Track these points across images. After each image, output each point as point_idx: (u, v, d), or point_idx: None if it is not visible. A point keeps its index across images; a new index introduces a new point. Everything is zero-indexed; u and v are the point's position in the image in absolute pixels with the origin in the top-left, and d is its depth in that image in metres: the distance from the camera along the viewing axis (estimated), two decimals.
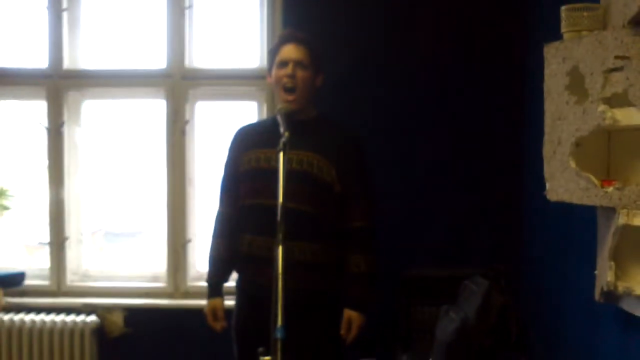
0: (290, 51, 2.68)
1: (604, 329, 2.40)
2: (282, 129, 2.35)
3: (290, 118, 2.46)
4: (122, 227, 4.16)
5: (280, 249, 2.12)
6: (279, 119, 2.47)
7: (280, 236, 2.12)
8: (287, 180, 2.28)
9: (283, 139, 2.26)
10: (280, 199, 2.17)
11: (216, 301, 2.80)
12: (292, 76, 2.64)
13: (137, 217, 4.09)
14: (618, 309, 2.16)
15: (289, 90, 2.66)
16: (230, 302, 2.87)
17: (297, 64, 2.66)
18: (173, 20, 3.74)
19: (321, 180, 2.64)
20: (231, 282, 2.90)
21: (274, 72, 2.71)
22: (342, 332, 2.70)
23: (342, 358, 2.79)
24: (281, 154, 2.22)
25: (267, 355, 2.07)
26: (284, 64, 2.67)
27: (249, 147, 2.75)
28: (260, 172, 2.58)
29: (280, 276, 2.09)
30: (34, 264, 3.94)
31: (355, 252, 2.70)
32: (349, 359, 2.84)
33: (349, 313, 2.70)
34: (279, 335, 2.06)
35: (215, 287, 2.82)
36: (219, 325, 2.80)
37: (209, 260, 2.84)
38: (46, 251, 3.83)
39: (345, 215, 2.70)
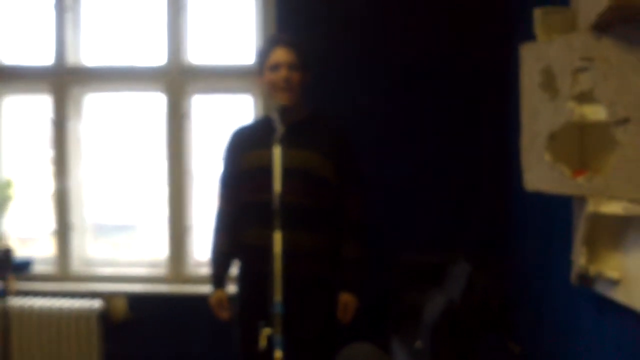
0: (281, 55, 2.78)
1: (580, 310, 2.49)
2: (277, 125, 2.47)
3: (286, 116, 2.56)
4: (121, 220, 4.20)
5: (278, 234, 2.34)
6: (275, 115, 2.55)
7: (276, 224, 2.33)
8: (289, 178, 2.47)
9: (278, 134, 2.41)
10: (278, 189, 2.38)
11: (221, 293, 2.91)
12: (287, 79, 2.76)
13: (137, 209, 4.15)
14: (592, 292, 2.25)
15: (284, 90, 2.77)
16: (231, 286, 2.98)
17: (290, 66, 2.77)
18: (172, 17, 3.84)
19: (320, 177, 2.77)
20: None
21: (266, 75, 2.82)
22: (339, 314, 2.82)
23: (338, 339, 2.90)
24: (277, 149, 2.39)
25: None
26: (276, 67, 2.78)
27: (249, 147, 2.86)
28: (262, 170, 2.64)
29: (278, 258, 2.27)
30: (42, 253, 4.05)
31: (351, 239, 2.84)
32: (342, 342, 2.88)
33: (345, 296, 2.82)
34: (277, 310, 2.23)
35: (219, 280, 2.92)
36: (225, 314, 2.91)
37: (212, 255, 2.95)
38: (52, 240, 3.94)
39: (341, 206, 2.84)
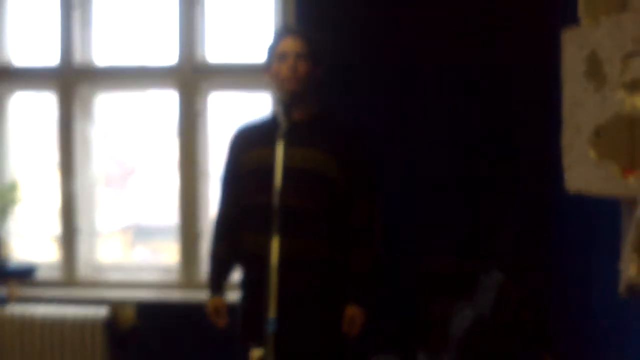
0: (288, 44, 2.67)
1: (630, 326, 2.32)
2: (281, 120, 2.37)
3: (292, 110, 2.47)
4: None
5: (276, 241, 2.26)
6: (280, 109, 2.47)
7: (274, 229, 2.26)
8: (291, 178, 2.37)
9: (281, 130, 2.32)
10: (278, 190, 2.29)
11: (218, 300, 2.80)
12: (293, 68, 2.63)
13: (156, 212, 4.07)
14: None
15: (290, 80, 2.64)
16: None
17: (297, 55, 2.65)
18: (184, 13, 3.72)
19: (325, 178, 2.63)
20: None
21: (274, 66, 2.70)
22: (345, 327, 2.67)
23: (347, 354, 2.76)
24: (280, 146, 2.30)
25: (259, 347, 2.08)
26: (283, 56, 2.66)
27: (252, 146, 2.74)
28: (265, 171, 2.53)
29: (275, 270, 2.15)
30: (49, 257, 3.96)
31: (359, 248, 2.69)
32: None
33: (352, 310, 2.67)
34: (270, 329, 2.07)
35: (216, 287, 2.82)
36: (222, 322, 2.80)
37: (211, 261, 2.85)
38: (58, 245, 3.86)
39: (349, 211, 2.69)
